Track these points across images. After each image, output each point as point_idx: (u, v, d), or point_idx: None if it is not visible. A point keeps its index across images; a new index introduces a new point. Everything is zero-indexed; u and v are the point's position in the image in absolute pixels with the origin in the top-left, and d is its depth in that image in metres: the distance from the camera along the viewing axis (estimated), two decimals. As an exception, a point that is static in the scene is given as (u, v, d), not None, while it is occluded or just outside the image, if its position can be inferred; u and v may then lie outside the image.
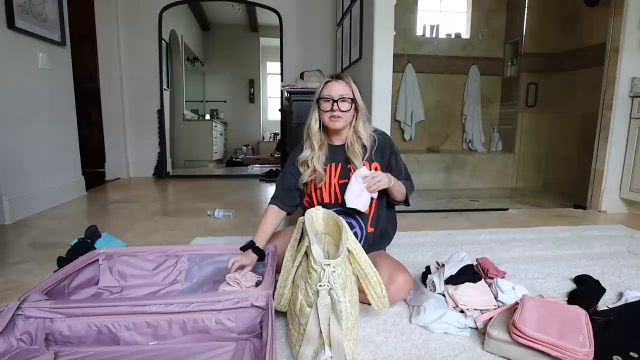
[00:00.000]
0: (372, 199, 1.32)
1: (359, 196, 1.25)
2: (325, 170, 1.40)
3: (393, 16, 2.46)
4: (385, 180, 1.28)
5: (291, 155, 1.49)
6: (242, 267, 1.26)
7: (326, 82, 1.36)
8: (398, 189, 1.37)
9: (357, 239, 1.18)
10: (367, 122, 1.43)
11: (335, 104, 1.33)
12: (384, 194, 1.40)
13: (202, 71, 6.70)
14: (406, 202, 1.47)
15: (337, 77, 1.36)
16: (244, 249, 1.31)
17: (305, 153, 1.41)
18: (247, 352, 1.00)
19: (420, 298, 1.26)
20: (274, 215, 1.41)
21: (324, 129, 1.42)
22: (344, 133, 1.41)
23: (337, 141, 1.44)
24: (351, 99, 1.34)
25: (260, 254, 1.30)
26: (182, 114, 5.63)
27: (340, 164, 1.40)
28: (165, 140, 4.24)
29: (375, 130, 1.45)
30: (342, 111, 1.33)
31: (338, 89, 1.33)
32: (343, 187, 1.37)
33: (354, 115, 1.38)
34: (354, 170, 1.33)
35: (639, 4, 2.50)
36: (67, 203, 2.84)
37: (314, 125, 1.40)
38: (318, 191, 1.41)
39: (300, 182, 1.43)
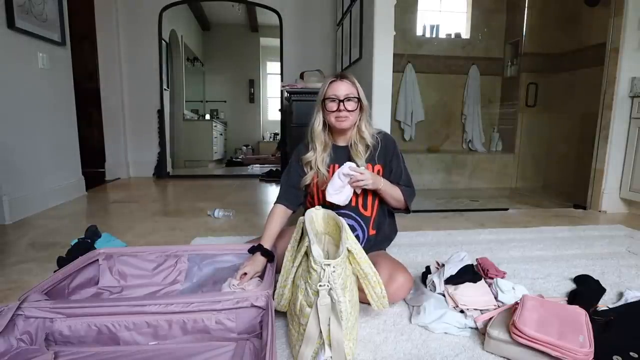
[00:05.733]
0: (354, 193, 1.32)
1: (339, 192, 1.24)
2: (328, 172, 1.39)
3: (393, 16, 2.46)
4: (369, 181, 1.26)
5: (296, 151, 1.47)
6: (246, 274, 1.23)
7: (331, 82, 1.34)
8: (391, 194, 1.35)
9: (359, 241, 1.18)
10: (370, 123, 1.42)
11: (341, 103, 1.31)
12: (383, 200, 1.39)
13: (202, 71, 6.71)
14: (406, 209, 1.45)
15: (341, 76, 1.34)
16: (252, 251, 1.30)
17: (309, 154, 1.40)
18: (247, 352, 1.00)
19: (420, 298, 1.26)
20: (281, 215, 1.39)
21: (329, 129, 1.41)
22: (349, 133, 1.40)
23: (341, 142, 1.43)
24: (357, 98, 1.33)
25: (270, 256, 1.28)
26: (182, 114, 5.64)
27: None
28: (165, 140, 4.24)
29: (380, 132, 1.44)
30: (349, 111, 1.32)
31: (343, 88, 1.32)
32: None
33: (358, 115, 1.37)
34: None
35: (639, 4, 2.50)
36: (67, 203, 2.84)
37: (317, 126, 1.38)
38: (320, 192, 1.41)
39: (303, 183, 1.42)
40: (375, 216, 1.40)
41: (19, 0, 2.37)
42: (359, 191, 1.30)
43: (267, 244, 1.30)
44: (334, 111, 1.33)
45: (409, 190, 1.42)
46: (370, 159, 1.38)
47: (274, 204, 1.41)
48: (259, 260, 1.26)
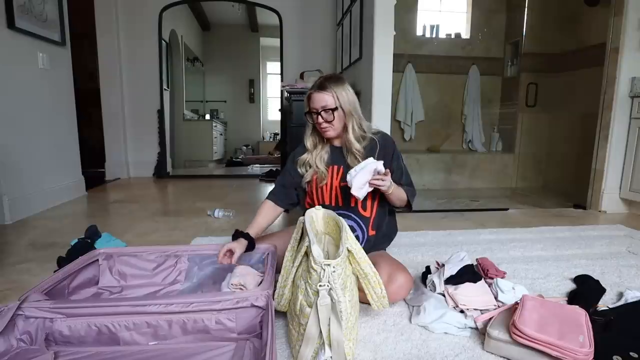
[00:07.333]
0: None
1: (362, 187, 1.21)
2: (327, 170, 1.40)
3: (393, 16, 2.46)
4: (387, 184, 1.24)
5: (293, 153, 1.50)
6: (231, 252, 1.25)
7: (309, 94, 1.35)
8: (397, 195, 1.34)
9: (358, 242, 1.17)
10: (361, 125, 1.39)
11: (319, 116, 1.33)
12: (385, 199, 1.38)
13: (202, 71, 6.70)
14: (408, 207, 1.44)
15: (318, 86, 1.33)
16: (235, 237, 1.32)
17: (305, 155, 1.43)
18: (247, 352, 1.00)
19: (420, 298, 1.26)
20: (269, 210, 1.45)
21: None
22: (341, 135, 1.40)
23: (337, 142, 1.44)
24: (332, 108, 1.31)
25: (250, 240, 1.30)
26: (182, 114, 5.63)
27: (341, 167, 1.39)
28: (165, 140, 4.24)
29: (378, 133, 1.43)
30: (328, 122, 1.33)
31: (319, 100, 1.32)
32: (344, 190, 1.37)
33: (343, 121, 1.35)
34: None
35: (639, 4, 2.50)
36: (67, 203, 2.84)
37: (308, 131, 1.43)
38: (319, 191, 1.41)
39: (304, 182, 1.44)
40: (375, 216, 1.40)
41: (19, 0, 2.37)
42: (370, 189, 1.25)
43: (251, 231, 1.34)
44: (315, 123, 1.36)
45: (411, 190, 1.42)
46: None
47: (264, 199, 1.47)
48: (242, 241, 1.28)
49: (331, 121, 1.33)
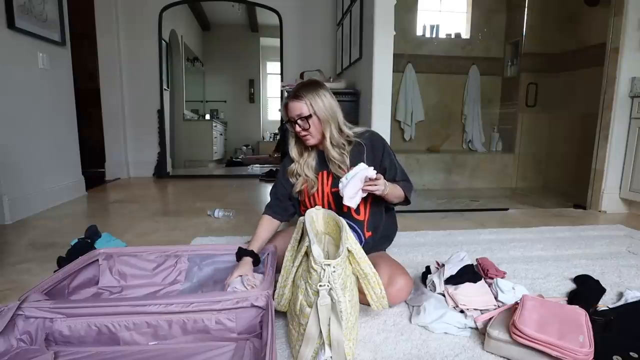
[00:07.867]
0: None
1: (354, 196, 1.20)
2: (317, 177, 1.39)
3: (393, 16, 2.46)
4: (381, 187, 1.22)
5: (282, 164, 1.49)
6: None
7: (285, 104, 1.35)
8: (394, 194, 1.32)
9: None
10: (342, 130, 1.37)
11: (295, 124, 1.33)
12: (381, 199, 1.37)
13: (202, 71, 6.70)
14: (406, 201, 1.43)
15: (293, 95, 1.33)
16: (238, 256, 1.28)
17: (293, 165, 1.42)
18: (247, 352, 1.00)
19: (420, 298, 1.26)
20: (268, 224, 1.41)
21: None
22: (323, 142, 1.37)
23: (322, 148, 1.42)
24: (306, 116, 1.30)
25: (256, 258, 1.28)
26: (182, 114, 5.64)
27: (331, 173, 1.38)
28: (165, 140, 4.24)
29: (365, 132, 1.41)
30: (305, 129, 1.32)
31: (294, 109, 1.32)
32: (336, 196, 1.34)
33: (321, 127, 1.33)
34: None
35: (639, 4, 2.50)
36: (67, 203, 2.84)
37: (292, 141, 1.42)
38: (312, 199, 1.41)
39: (294, 191, 1.43)
40: (369, 218, 1.38)
41: (19, 0, 2.37)
42: (365, 194, 1.25)
43: (254, 247, 1.31)
44: (295, 131, 1.36)
45: (407, 185, 1.39)
46: (356, 163, 1.29)
47: (262, 213, 1.44)
48: (248, 261, 1.26)
49: (308, 129, 1.32)
